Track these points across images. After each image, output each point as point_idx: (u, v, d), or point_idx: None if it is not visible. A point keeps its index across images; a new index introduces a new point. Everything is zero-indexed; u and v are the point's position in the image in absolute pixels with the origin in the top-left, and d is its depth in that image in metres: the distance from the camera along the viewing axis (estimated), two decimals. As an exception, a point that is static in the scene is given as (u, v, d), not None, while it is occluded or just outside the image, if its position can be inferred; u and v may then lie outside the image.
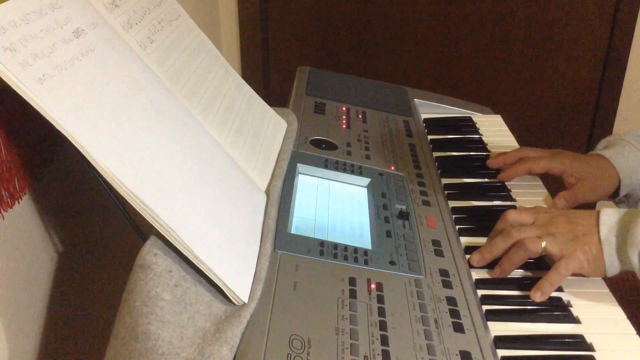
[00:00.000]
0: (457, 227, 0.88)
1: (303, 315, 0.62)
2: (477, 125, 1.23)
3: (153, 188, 0.60)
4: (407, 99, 1.29)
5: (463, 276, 0.75)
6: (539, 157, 0.99)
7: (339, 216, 0.84)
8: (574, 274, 0.76)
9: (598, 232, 0.76)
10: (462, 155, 1.10)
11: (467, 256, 0.81)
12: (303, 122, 1.07)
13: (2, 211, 0.60)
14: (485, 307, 0.72)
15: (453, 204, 0.94)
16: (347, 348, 0.59)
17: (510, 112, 1.45)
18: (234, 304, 0.62)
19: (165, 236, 0.59)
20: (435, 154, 1.09)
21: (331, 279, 0.68)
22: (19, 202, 0.63)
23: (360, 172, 0.94)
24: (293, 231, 0.77)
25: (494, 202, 0.96)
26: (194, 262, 0.60)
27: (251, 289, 0.64)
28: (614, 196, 0.99)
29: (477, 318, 0.69)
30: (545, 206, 0.95)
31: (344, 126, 1.10)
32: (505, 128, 1.24)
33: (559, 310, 0.73)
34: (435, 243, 0.81)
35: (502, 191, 0.99)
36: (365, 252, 0.75)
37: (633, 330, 0.70)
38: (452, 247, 0.81)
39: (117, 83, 0.66)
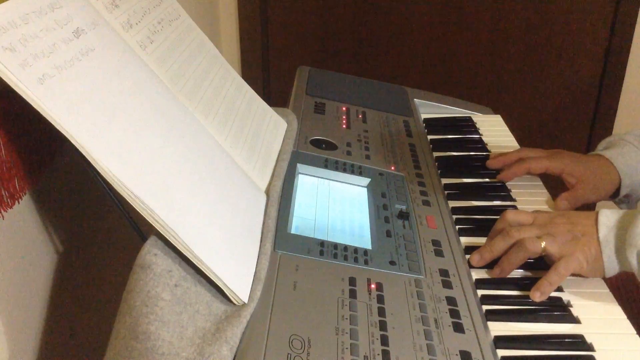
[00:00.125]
0: (457, 227, 0.88)
1: (303, 315, 0.62)
2: (477, 125, 1.23)
3: (153, 188, 0.60)
4: (407, 99, 1.29)
5: (463, 276, 0.75)
6: (539, 157, 0.99)
7: (339, 216, 0.84)
8: (573, 274, 0.76)
9: (597, 232, 0.76)
10: (462, 155, 1.10)
11: (467, 256, 0.81)
12: (303, 122, 1.07)
13: (2, 211, 0.60)
14: (485, 307, 0.72)
15: (453, 204, 0.94)
16: (347, 348, 0.59)
17: (510, 112, 1.45)
18: (234, 304, 0.62)
19: (165, 236, 0.59)
20: (435, 154, 1.09)
21: (331, 279, 0.68)
22: (19, 202, 0.63)
23: (360, 172, 0.94)
24: (293, 231, 0.77)
25: (494, 202, 0.96)
26: (194, 262, 0.60)
27: (251, 289, 0.64)
28: (615, 196, 0.99)
29: (477, 318, 0.69)
30: (545, 208, 0.95)
31: (344, 126, 1.10)
32: (505, 128, 1.24)
33: (559, 310, 0.73)
34: (435, 243, 0.81)
35: (502, 191, 0.99)
36: (365, 252, 0.75)
37: (633, 330, 0.70)
38: (452, 247, 0.81)
39: (117, 83, 0.66)
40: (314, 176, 0.92)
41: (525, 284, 0.76)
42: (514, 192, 0.98)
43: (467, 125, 1.23)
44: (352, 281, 0.69)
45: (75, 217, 0.80)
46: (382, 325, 0.63)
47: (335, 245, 0.75)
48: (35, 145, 0.66)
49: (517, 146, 1.14)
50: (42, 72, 0.56)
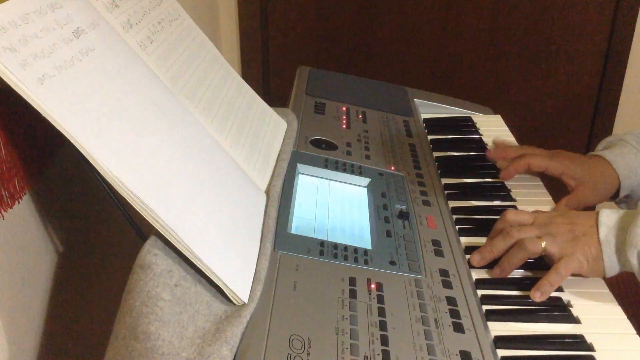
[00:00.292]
0: (457, 227, 0.88)
1: (303, 315, 0.62)
2: (477, 125, 1.23)
3: (153, 188, 0.60)
4: (407, 99, 1.29)
5: (463, 276, 0.75)
6: (539, 155, 0.99)
7: (339, 216, 0.84)
8: (573, 274, 0.76)
9: (597, 232, 0.76)
10: (462, 155, 1.10)
11: (467, 256, 0.81)
12: (303, 122, 1.07)
13: (2, 211, 0.59)
14: (485, 307, 0.72)
15: (453, 204, 0.94)
16: (347, 348, 0.59)
17: (510, 112, 1.45)
18: (234, 304, 0.62)
19: (166, 236, 0.59)
20: (435, 154, 1.09)
21: (331, 279, 0.68)
22: (19, 202, 0.63)
23: (360, 172, 0.94)
24: (293, 231, 0.77)
25: (494, 202, 0.96)
26: (194, 262, 0.60)
27: (251, 289, 0.64)
28: (615, 197, 0.99)
29: (477, 318, 0.69)
30: (545, 208, 0.95)
31: (344, 126, 1.10)
32: (505, 128, 1.24)
33: (559, 310, 0.73)
34: (435, 243, 0.81)
35: (502, 191, 0.99)
36: (365, 252, 0.75)
37: (633, 330, 0.70)
38: (452, 247, 0.81)
39: (117, 83, 0.66)
40: (314, 176, 0.92)
41: (525, 284, 0.76)
42: (514, 192, 0.98)
43: (467, 125, 1.23)
44: (352, 281, 0.69)
45: (75, 217, 0.80)
46: (382, 325, 0.63)
47: (335, 245, 0.75)
48: (35, 146, 0.66)
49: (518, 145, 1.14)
50: (42, 72, 0.56)
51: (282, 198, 0.82)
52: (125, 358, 0.54)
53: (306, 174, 0.92)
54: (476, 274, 0.78)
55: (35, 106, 0.54)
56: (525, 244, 0.76)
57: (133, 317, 0.55)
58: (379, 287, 0.69)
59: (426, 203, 0.91)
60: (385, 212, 0.85)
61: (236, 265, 0.65)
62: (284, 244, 0.73)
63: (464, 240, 0.85)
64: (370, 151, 1.02)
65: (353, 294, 0.67)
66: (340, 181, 0.93)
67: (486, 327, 0.69)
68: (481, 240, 0.82)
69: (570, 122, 2.09)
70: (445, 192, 0.97)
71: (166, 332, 0.55)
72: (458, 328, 0.66)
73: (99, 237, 0.87)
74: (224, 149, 0.82)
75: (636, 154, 0.97)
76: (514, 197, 0.97)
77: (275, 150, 0.94)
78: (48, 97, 0.54)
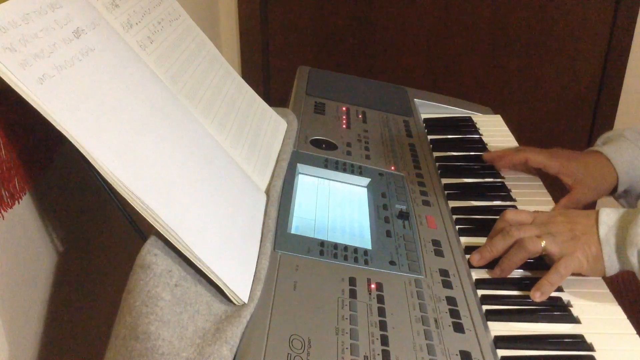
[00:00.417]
0: (457, 227, 0.88)
1: (303, 315, 0.62)
2: (477, 125, 1.23)
3: (153, 188, 0.60)
4: (407, 99, 1.29)
5: (463, 276, 0.75)
6: (537, 152, 0.99)
7: (339, 216, 0.84)
8: (573, 274, 0.76)
9: (597, 231, 0.76)
10: (462, 155, 1.10)
11: (467, 256, 0.81)
12: (303, 122, 1.07)
13: (2, 211, 0.59)
14: (485, 307, 0.72)
15: (453, 204, 0.94)
16: (347, 348, 0.59)
17: (510, 112, 1.45)
18: (234, 304, 0.62)
19: (166, 236, 0.59)
20: (435, 154, 1.09)
21: (331, 279, 0.68)
22: (19, 202, 0.63)
23: (360, 172, 0.94)
24: (293, 231, 0.77)
25: (494, 202, 0.96)
26: (194, 262, 0.60)
27: (251, 289, 0.64)
28: (613, 192, 0.99)
29: (477, 318, 0.69)
30: (545, 208, 0.95)
31: (344, 126, 1.10)
32: (505, 128, 1.24)
33: (559, 310, 0.73)
34: (435, 243, 0.81)
35: (502, 191, 0.99)
36: (365, 252, 0.75)
37: (633, 330, 0.70)
38: (452, 247, 0.81)
39: (117, 83, 0.66)
40: (314, 176, 0.92)
41: (525, 284, 0.76)
42: (514, 192, 0.98)
43: (467, 125, 1.23)
44: (352, 281, 0.69)
45: (75, 217, 0.80)
46: (382, 325, 0.63)
47: (335, 245, 0.75)
48: (35, 145, 0.66)
49: (517, 146, 1.14)
50: (42, 72, 0.56)
51: (282, 198, 0.82)
52: (125, 358, 0.54)
53: (306, 174, 0.92)
54: (476, 274, 0.78)
55: (35, 106, 0.54)
56: (525, 244, 0.76)
57: (133, 317, 0.55)
58: (379, 287, 0.69)
59: (426, 203, 0.91)
60: (385, 212, 0.85)
61: (236, 265, 0.65)
62: (284, 244, 0.73)
63: (464, 240, 0.85)
64: (370, 151, 1.02)
65: (353, 294, 0.67)
66: (340, 181, 0.93)
67: (486, 327, 0.69)
68: (481, 240, 0.82)
69: (570, 122, 2.09)
70: (445, 192, 0.97)
71: (166, 332, 0.55)
72: (458, 328, 0.66)
73: (99, 237, 0.87)
74: (224, 149, 0.82)
75: (634, 149, 0.97)
76: (514, 197, 0.97)
77: (275, 150, 0.94)
78: (48, 97, 0.54)
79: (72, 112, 0.56)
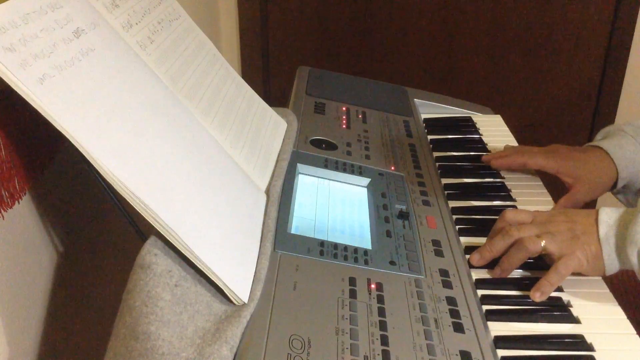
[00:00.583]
0: (457, 227, 0.88)
1: (303, 315, 0.62)
2: (477, 125, 1.23)
3: (153, 188, 0.60)
4: (407, 99, 1.29)
5: (463, 276, 0.75)
6: (535, 153, 0.99)
7: (339, 216, 0.84)
8: (573, 273, 0.76)
9: (597, 231, 0.76)
10: (462, 155, 1.10)
11: (467, 256, 0.81)
12: (303, 122, 1.07)
13: (2, 211, 0.60)
14: (485, 307, 0.72)
15: (453, 204, 0.94)
16: (347, 348, 0.59)
17: (510, 112, 1.45)
18: (234, 304, 0.62)
19: (166, 236, 0.59)
20: (435, 154, 1.09)
21: (331, 279, 0.68)
22: (19, 202, 0.63)
23: (360, 172, 0.94)
24: (293, 231, 0.77)
25: (494, 202, 0.96)
26: (194, 262, 0.60)
27: (251, 289, 0.64)
28: (613, 188, 0.99)
29: (477, 318, 0.69)
30: (545, 208, 0.95)
31: (344, 126, 1.10)
32: (505, 128, 1.24)
33: (559, 310, 0.73)
34: (435, 243, 0.81)
35: (502, 191, 0.99)
36: (365, 252, 0.75)
37: (633, 330, 0.70)
38: (452, 247, 0.81)
39: (117, 83, 0.66)
40: (314, 176, 0.92)
41: (525, 284, 0.76)
42: (514, 192, 0.98)
43: (467, 125, 1.23)
44: (352, 281, 0.69)
45: (75, 217, 0.80)
46: (382, 325, 0.63)
47: (335, 245, 0.75)
48: (35, 145, 0.66)
49: (515, 145, 1.14)
50: (42, 72, 0.56)
51: (282, 198, 0.82)
52: (125, 358, 0.54)
53: (306, 174, 0.92)
54: (476, 274, 0.78)
55: (35, 106, 0.54)
56: (524, 243, 0.76)
57: (133, 317, 0.55)
58: (379, 287, 0.69)
59: (426, 203, 0.91)
60: (385, 212, 0.85)
61: (236, 265, 0.65)
62: (284, 244, 0.73)
63: (464, 240, 0.85)
64: (370, 151, 1.02)
65: (353, 294, 0.67)
66: (340, 181, 0.93)
67: (486, 327, 0.69)
68: (481, 240, 0.82)
69: (570, 122, 2.09)
70: (445, 192, 0.97)
71: (166, 332, 0.55)
72: (458, 328, 0.66)
73: (99, 237, 0.87)
74: (224, 149, 0.82)
75: (634, 144, 0.97)
76: (514, 197, 0.97)
77: (275, 150, 0.94)
78: (48, 97, 0.54)
79: (72, 112, 0.56)
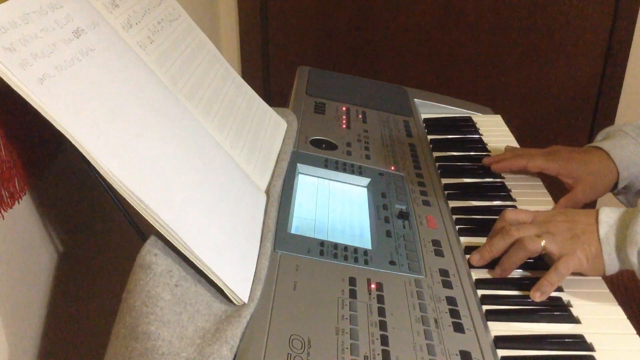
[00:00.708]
0: (457, 227, 0.88)
1: (303, 315, 0.62)
2: (477, 125, 1.23)
3: (153, 188, 0.60)
4: (407, 99, 1.29)
5: (463, 276, 0.75)
6: (535, 155, 0.99)
7: (339, 216, 0.84)
8: (573, 273, 0.76)
9: (597, 230, 0.76)
10: (462, 155, 1.10)
11: (467, 256, 0.81)
12: (303, 122, 1.07)
13: (2, 211, 0.60)
14: (485, 307, 0.72)
15: (453, 204, 0.94)
16: (347, 348, 0.59)
17: (510, 112, 1.45)
18: (234, 304, 0.62)
19: (166, 236, 0.59)
20: (435, 154, 1.09)
21: (331, 279, 0.68)
22: (19, 202, 0.63)
23: (360, 172, 0.94)
24: (293, 231, 0.77)
25: (494, 202, 0.96)
26: (194, 262, 0.60)
27: (251, 289, 0.64)
28: (613, 188, 0.99)
29: (477, 318, 0.69)
30: (545, 208, 0.95)
31: (344, 126, 1.10)
32: (505, 128, 1.24)
33: (559, 310, 0.73)
34: (435, 243, 0.81)
35: (502, 191, 0.99)
36: (365, 252, 0.75)
37: (633, 330, 0.70)
38: (452, 247, 0.81)
39: (117, 83, 0.66)
40: (314, 176, 0.92)
41: (525, 284, 0.76)
42: (514, 192, 0.98)
43: (467, 125, 1.23)
44: (352, 281, 0.69)
45: (76, 216, 0.80)
46: (382, 325, 0.63)
47: (335, 245, 0.75)
48: (35, 145, 0.66)
49: (517, 146, 1.14)
50: (42, 72, 0.56)
51: (282, 198, 0.82)
52: (125, 358, 0.54)
53: (306, 174, 0.92)
54: (476, 274, 0.78)
55: (35, 106, 0.54)
56: (524, 243, 0.76)
57: (133, 317, 0.55)
58: (379, 287, 0.69)
59: (426, 203, 0.91)
60: (385, 212, 0.85)
61: (236, 265, 0.65)
62: (284, 244, 0.73)
63: (464, 240, 0.85)
64: (370, 151, 1.02)
65: (353, 294, 0.67)
66: (340, 181, 0.93)
67: (486, 327, 0.69)
68: (481, 240, 0.82)
69: (570, 123, 2.09)
70: (445, 192, 0.97)
71: (166, 332, 0.55)
72: (458, 328, 0.66)
73: (99, 237, 0.87)
74: (224, 149, 0.82)
75: (635, 145, 0.97)
76: (514, 197, 0.97)
77: (275, 150, 0.94)
78: (48, 97, 0.54)
79: (72, 112, 0.56)
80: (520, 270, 0.79)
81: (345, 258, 0.73)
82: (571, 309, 0.73)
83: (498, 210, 0.84)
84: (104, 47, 0.67)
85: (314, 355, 0.57)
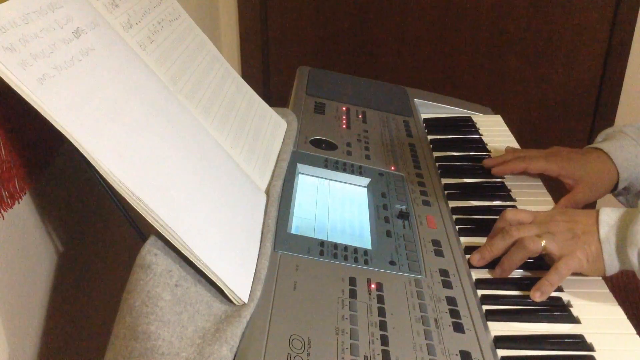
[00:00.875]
0: (457, 227, 0.88)
1: (303, 315, 0.62)
2: (477, 125, 1.23)
3: (153, 188, 0.60)
4: (407, 99, 1.29)
5: (463, 276, 0.75)
6: (535, 157, 0.99)
7: (339, 216, 0.84)
8: (573, 273, 0.76)
9: (598, 231, 0.76)
10: (462, 155, 1.10)
11: (467, 256, 0.81)
12: (303, 122, 1.07)
13: (2, 211, 0.60)
14: (485, 307, 0.72)
15: (453, 204, 0.94)
16: (347, 348, 0.59)
17: (510, 112, 1.45)
18: (234, 304, 0.62)
19: (166, 236, 0.59)
20: (435, 154, 1.09)
21: (331, 279, 0.68)
22: (19, 202, 0.63)
23: (360, 172, 0.94)
24: (293, 231, 0.77)
25: (494, 202, 0.96)
26: (194, 262, 0.60)
27: (251, 289, 0.64)
28: (613, 189, 0.99)
29: (477, 318, 0.69)
30: (545, 208, 0.95)
31: (344, 126, 1.10)
32: (505, 128, 1.24)
33: (559, 310, 0.73)
34: (435, 243, 0.81)
35: (502, 191, 0.99)
36: (365, 252, 0.75)
37: (633, 330, 0.70)
38: (452, 247, 0.81)
39: (117, 83, 0.66)
40: (314, 176, 0.92)
41: (525, 284, 0.76)
42: (514, 192, 0.98)
43: (467, 125, 1.23)
44: (352, 281, 0.69)
45: (75, 217, 0.80)
46: (382, 325, 0.63)
47: (335, 245, 0.75)
48: (35, 145, 0.66)
49: (517, 146, 1.14)
50: (42, 72, 0.56)
51: (282, 198, 0.82)
52: (125, 358, 0.54)
53: (306, 174, 0.92)
54: (476, 274, 0.78)
55: (35, 106, 0.54)
56: (524, 243, 0.76)
57: (133, 317, 0.55)
58: (379, 287, 0.69)
59: (426, 203, 0.91)
60: (385, 212, 0.85)
61: (236, 265, 0.65)
62: (284, 244, 0.73)
63: (464, 240, 0.85)
64: (370, 151, 1.02)
65: (353, 294, 0.67)
66: (340, 181, 0.93)
67: (486, 327, 0.69)
68: (481, 240, 0.82)
69: (570, 122, 2.09)
70: (445, 192, 0.97)
71: (166, 332, 0.55)
72: (458, 328, 0.66)
73: (99, 237, 0.87)
74: (224, 149, 0.82)
75: (635, 146, 0.97)
76: (514, 197, 0.97)
77: (275, 150, 0.94)
78: (48, 97, 0.54)
79: (72, 112, 0.56)
80: (520, 270, 0.79)
81: (345, 258, 0.73)
82: (571, 309, 0.73)
83: (498, 210, 0.84)
84: (104, 47, 0.67)
85: (314, 355, 0.57)
